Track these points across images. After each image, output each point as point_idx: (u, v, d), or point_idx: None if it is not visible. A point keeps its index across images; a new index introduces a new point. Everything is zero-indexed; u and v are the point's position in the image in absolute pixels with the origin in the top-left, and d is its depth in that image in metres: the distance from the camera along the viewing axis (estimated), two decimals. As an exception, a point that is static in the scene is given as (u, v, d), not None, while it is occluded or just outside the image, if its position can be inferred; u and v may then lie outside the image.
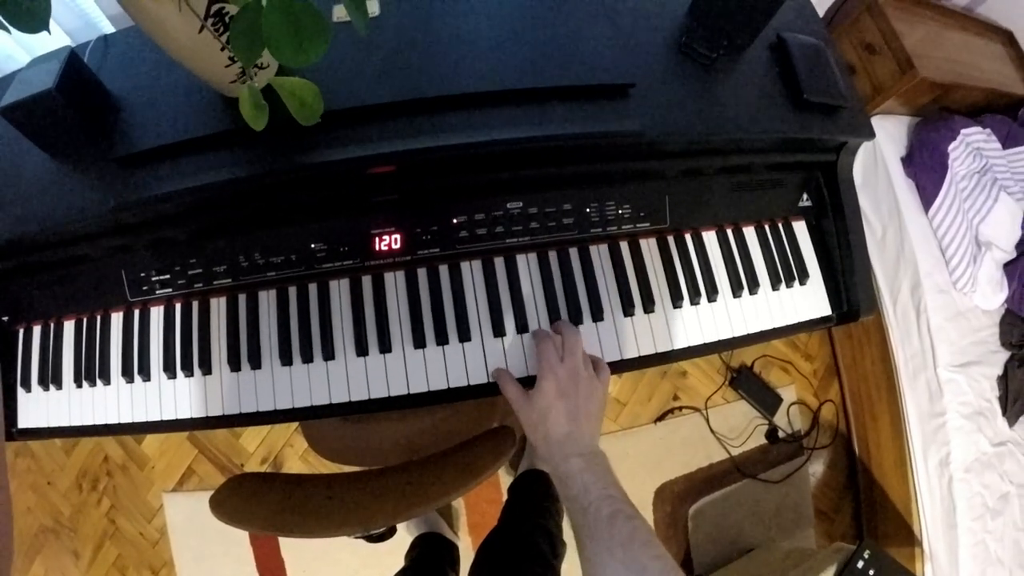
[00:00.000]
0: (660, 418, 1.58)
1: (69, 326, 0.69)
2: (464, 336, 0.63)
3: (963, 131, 1.36)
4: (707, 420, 1.60)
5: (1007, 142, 1.43)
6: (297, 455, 1.49)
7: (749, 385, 1.63)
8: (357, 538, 0.72)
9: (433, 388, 0.61)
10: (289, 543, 1.42)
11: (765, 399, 1.62)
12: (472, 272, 0.65)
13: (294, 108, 0.47)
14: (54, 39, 0.80)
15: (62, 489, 1.48)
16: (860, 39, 1.38)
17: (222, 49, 0.52)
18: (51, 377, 0.68)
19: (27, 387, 0.70)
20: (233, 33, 0.41)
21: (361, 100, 0.59)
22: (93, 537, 1.46)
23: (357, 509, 0.56)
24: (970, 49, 1.45)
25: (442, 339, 0.62)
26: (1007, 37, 1.56)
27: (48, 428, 0.69)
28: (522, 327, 0.64)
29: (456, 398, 0.62)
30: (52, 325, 0.70)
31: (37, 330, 0.70)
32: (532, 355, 0.62)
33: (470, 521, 1.47)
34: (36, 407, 0.70)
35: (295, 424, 1.49)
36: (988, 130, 1.41)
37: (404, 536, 1.21)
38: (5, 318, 0.71)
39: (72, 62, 0.62)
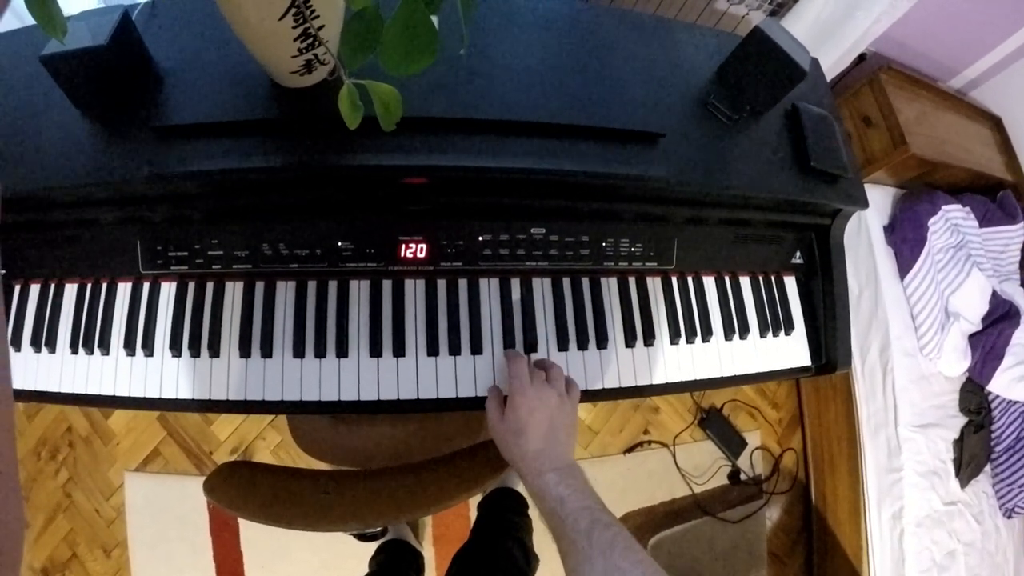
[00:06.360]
0: (629, 450, 1.62)
1: (71, 289, 0.67)
2: (476, 349, 0.65)
3: (944, 207, 1.43)
4: (674, 456, 1.64)
5: (984, 221, 1.51)
6: (269, 449, 1.46)
7: (717, 427, 1.68)
8: (353, 535, 0.72)
9: (442, 396, 0.63)
10: (250, 538, 1.39)
11: (731, 441, 1.68)
12: (489, 289, 0.67)
13: (380, 112, 0.48)
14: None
15: (19, 455, 1.41)
16: (859, 110, 1.45)
17: (295, 40, 0.52)
18: (44, 339, 0.66)
19: (16, 347, 0.67)
20: (346, 34, 0.41)
21: (408, 111, 0.61)
22: (46, 508, 1.40)
23: (358, 506, 0.57)
24: (960, 130, 1.52)
25: (455, 350, 0.64)
26: (995, 123, 1.64)
27: (34, 392, 0.66)
28: (531, 346, 0.67)
29: (462, 407, 0.63)
30: (52, 286, 0.67)
31: (35, 289, 0.67)
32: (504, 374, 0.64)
33: (435, 532, 1.46)
34: (24, 369, 0.67)
35: (269, 417, 1.46)
36: (968, 208, 1.48)
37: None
38: (2, 271, 0.67)
39: (124, 23, 0.59)
